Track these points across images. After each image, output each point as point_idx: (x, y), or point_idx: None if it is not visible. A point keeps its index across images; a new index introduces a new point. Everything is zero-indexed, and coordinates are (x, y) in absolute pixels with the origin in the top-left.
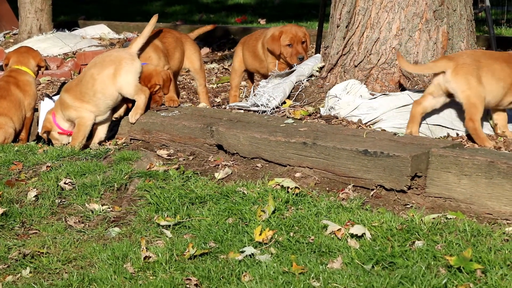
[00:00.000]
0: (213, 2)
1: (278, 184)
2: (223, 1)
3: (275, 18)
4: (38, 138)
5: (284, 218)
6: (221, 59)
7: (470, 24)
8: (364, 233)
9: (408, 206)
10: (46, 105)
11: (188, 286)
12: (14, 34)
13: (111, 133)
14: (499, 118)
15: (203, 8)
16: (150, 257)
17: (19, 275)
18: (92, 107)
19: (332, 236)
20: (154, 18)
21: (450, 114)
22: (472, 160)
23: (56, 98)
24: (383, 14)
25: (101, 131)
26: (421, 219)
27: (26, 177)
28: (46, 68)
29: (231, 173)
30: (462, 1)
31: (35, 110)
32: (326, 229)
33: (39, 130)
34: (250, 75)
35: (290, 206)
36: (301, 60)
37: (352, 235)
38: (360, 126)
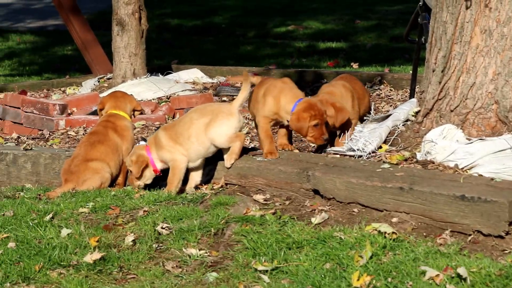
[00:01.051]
0: (305, 46)
1: (375, 229)
2: (315, 45)
3: (367, 62)
4: None
5: (381, 264)
6: None
7: None
8: (464, 278)
9: (506, 251)
10: None
11: None
12: (108, 79)
13: (207, 178)
14: None
15: (295, 52)
16: None
17: None
18: (185, 151)
19: (430, 281)
20: (246, 75)
21: None
22: None
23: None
24: (479, 59)
25: (196, 175)
26: None
27: (123, 221)
28: (141, 113)
29: (328, 218)
30: None
31: None
32: (424, 274)
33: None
34: None
35: (388, 251)
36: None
37: (451, 281)
38: (456, 171)
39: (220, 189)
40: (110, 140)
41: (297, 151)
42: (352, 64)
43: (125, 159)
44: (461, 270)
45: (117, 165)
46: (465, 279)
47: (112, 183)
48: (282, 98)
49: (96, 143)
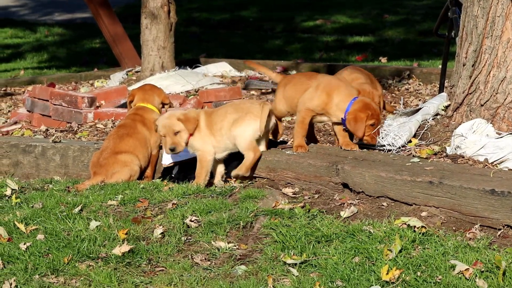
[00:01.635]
0: (333, 40)
1: (405, 223)
2: (344, 39)
3: (396, 56)
4: (164, 175)
5: (411, 258)
6: None
7: None
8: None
9: None
10: None
11: None
12: (137, 72)
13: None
14: None
15: (323, 46)
16: None
17: None
18: (216, 142)
19: (460, 276)
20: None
21: None
22: None
23: None
24: (510, 53)
25: (221, 166)
26: None
27: (152, 214)
28: (170, 106)
29: (357, 212)
30: None
31: (160, 147)
32: (454, 269)
33: (164, 162)
34: None
35: (417, 245)
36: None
37: (481, 275)
38: (486, 165)
39: (249, 182)
40: (139, 133)
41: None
42: (380, 58)
43: (153, 151)
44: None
45: (146, 157)
46: (495, 273)
47: (141, 175)
48: (336, 95)
49: (124, 135)
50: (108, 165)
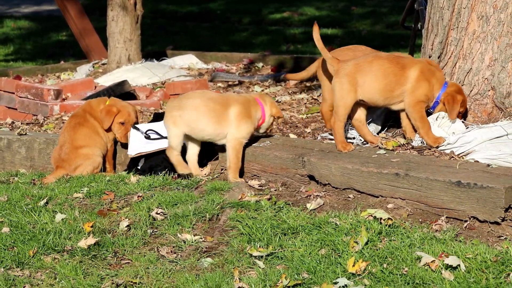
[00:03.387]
0: (300, 33)
1: (371, 215)
2: (310, 31)
3: None
4: (129, 168)
5: (377, 249)
6: (309, 89)
7: None
8: (459, 265)
9: (502, 237)
10: (134, 135)
11: None
12: (103, 64)
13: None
14: None
15: (290, 38)
16: (243, 287)
17: None
18: (251, 127)
19: (426, 267)
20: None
21: None
22: None
23: (141, 126)
24: (476, 45)
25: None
26: None
27: (118, 207)
28: (135, 98)
29: (323, 204)
30: None
31: (115, 141)
32: (420, 260)
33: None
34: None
35: (383, 237)
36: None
37: (446, 266)
38: (452, 157)
39: (215, 175)
40: (88, 121)
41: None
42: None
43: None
44: (452, 260)
45: (103, 145)
46: (459, 266)
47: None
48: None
49: (77, 125)
50: (70, 160)
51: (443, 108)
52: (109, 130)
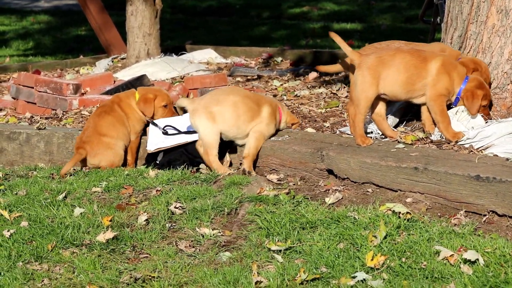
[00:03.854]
0: (320, 27)
1: (389, 209)
2: (330, 26)
3: None
4: (148, 162)
5: (395, 244)
6: (328, 83)
7: None
8: (478, 259)
9: None
10: (152, 130)
11: None
12: (122, 59)
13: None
14: None
15: (309, 33)
16: (262, 281)
17: None
18: (274, 128)
19: (444, 262)
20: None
21: None
22: None
23: (159, 121)
24: (495, 39)
25: None
26: None
27: (136, 201)
28: None
29: (342, 198)
30: None
31: (143, 133)
32: (439, 254)
33: (149, 148)
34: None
35: (402, 232)
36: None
37: (465, 261)
38: (471, 151)
39: (234, 169)
40: (115, 111)
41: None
42: (366, 44)
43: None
44: (470, 254)
45: (127, 136)
46: (477, 260)
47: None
48: (455, 75)
49: (102, 113)
50: (92, 143)
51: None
52: (152, 117)
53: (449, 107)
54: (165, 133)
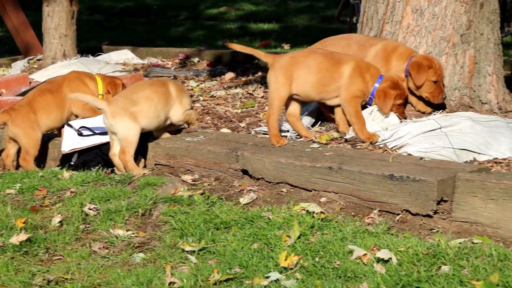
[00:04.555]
0: (237, 27)
1: (304, 209)
2: (247, 26)
3: (299, 43)
4: (62, 163)
5: (309, 243)
6: (245, 84)
7: (497, 48)
8: (391, 258)
9: (434, 230)
10: (67, 131)
11: None
12: (38, 60)
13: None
14: None
15: (226, 33)
16: (175, 282)
17: None
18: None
19: (358, 261)
20: None
21: (476, 138)
22: (498, 184)
23: (74, 123)
24: (410, 38)
25: None
26: (447, 244)
27: (50, 202)
28: None
29: (256, 198)
30: (489, 25)
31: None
32: (352, 254)
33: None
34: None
35: (316, 231)
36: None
37: (378, 260)
38: (386, 150)
39: (148, 169)
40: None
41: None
42: (283, 45)
43: None
44: (384, 253)
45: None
46: (390, 259)
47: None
48: (368, 76)
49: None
50: (19, 113)
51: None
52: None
53: (364, 108)
54: (80, 134)
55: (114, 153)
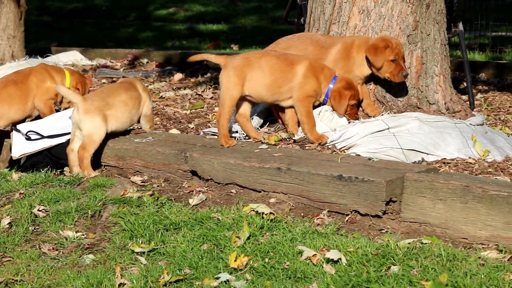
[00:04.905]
0: (186, 28)
1: (253, 210)
2: (196, 27)
3: (247, 44)
4: (11, 165)
5: (259, 244)
6: (194, 85)
7: (444, 49)
8: (340, 258)
9: (383, 231)
10: (16, 136)
11: None
12: None
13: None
14: None
15: (175, 34)
16: (125, 284)
17: None
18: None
19: (307, 261)
20: None
21: (424, 139)
22: (447, 185)
23: (22, 127)
24: None
25: None
26: (397, 244)
27: None
28: None
29: (206, 199)
30: (436, 26)
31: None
32: (302, 254)
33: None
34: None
35: (265, 232)
36: (405, 77)
37: (328, 260)
38: (334, 151)
39: (97, 171)
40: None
41: None
42: (232, 46)
43: None
44: (333, 253)
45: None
46: (340, 259)
47: None
48: (322, 77)
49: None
50: None
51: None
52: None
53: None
54: (28, 138)
55: (72, 148)
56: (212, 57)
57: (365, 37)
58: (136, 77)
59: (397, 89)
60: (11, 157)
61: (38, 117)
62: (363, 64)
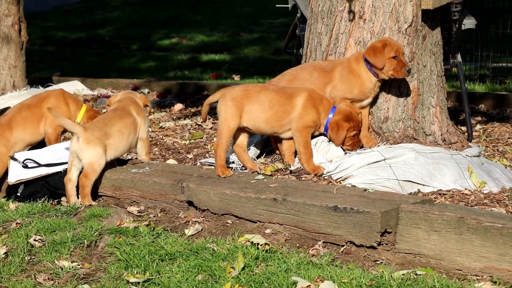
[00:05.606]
0: (188, 58)
1: (248, 241)
2: (198, 57)
3: (249, 74)
4: (9, 194)
5: (253, 275)
6: (194, 115)
7: (440, 80)
8: None
9: (378, 262)
10: (13, 164)
11: None
12: None
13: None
14: None
15: (177, 64)
16: None
17: None
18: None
19: None
20: None
21: (420, 170)
22: (441, 216)
23: (19, 155)
24: None
25: None
26: (391, 275)
27: None
28: None
29: (202, 230)
30: (432, 57)
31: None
32: (296, 285)
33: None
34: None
35: (260, 263)
36: (409, 72)
37: None
38: (330, 182)
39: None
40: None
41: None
42: (233, 76)
43: None
44: (327, 284)
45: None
46: None
47: None
48: (321, 108)
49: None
50: None
51: None
52: None
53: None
54: (25, 166)
55: (70, 178)
56: (209, 99)
57: (360, 51)
58: (131, 91)
59: (393, 120)
60: (8, 186)
61: (38, 146)
62: (367, 72)
